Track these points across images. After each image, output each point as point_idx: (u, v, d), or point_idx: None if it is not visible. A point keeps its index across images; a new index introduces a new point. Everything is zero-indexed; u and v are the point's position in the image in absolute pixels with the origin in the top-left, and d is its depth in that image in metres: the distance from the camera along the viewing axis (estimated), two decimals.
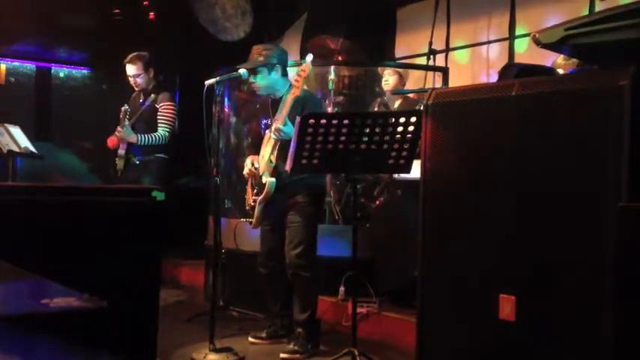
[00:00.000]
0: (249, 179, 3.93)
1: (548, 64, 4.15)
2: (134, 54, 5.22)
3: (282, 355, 3.70)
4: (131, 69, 5.20)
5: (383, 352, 3.81)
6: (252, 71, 3.83)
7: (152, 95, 5.21)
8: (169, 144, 5.23)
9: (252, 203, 3.84)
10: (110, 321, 1.06)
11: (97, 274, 2.05)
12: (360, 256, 3.42)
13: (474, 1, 6.29)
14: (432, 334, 2.65)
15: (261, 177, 3.78)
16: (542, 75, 2.62)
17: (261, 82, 3.86)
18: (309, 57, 3.66)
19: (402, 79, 5.34)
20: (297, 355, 3.71)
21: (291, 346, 3.76)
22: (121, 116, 5.04)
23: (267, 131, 3.90)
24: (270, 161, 3.73)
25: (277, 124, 3.64)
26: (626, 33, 2.09)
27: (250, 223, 3.91)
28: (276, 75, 3.86)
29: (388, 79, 5.21)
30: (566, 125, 2.23)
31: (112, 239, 2.19)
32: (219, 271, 4.38)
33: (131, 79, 5.24)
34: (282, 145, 3.67)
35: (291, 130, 3.46)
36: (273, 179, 3.72)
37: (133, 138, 5.04)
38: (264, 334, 4.04)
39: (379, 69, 5.49)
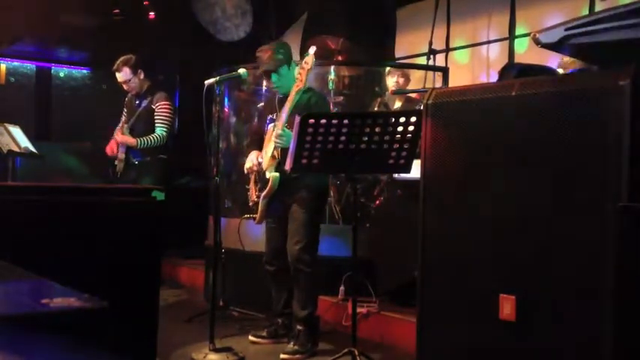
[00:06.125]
0: (252, 175, 3.92)
1: (549, 64, 4.15)
2: (120, 60, 5.19)
3: (282, 356, 3.70)
4: (120, 76, 5.20)
5: (383, 352, 3.81)
6: (271, 72, 3.80)
7: (148, 96, 5.21)
8: (168, 144, 5.22)
9: (256, 199, 3.83)
10: (110, 321, 1.06)
11: (97, 273, 2.06)
12: (360, 256, 3.42)
13: (474, 1, 6.30)
14: (432, 334, 2.65)
15: (265, 172, 3.78)
16: (542, 75, 2.62)
17: (281, 81, 3.83)
18: (312, 49, 3.62)
19: (407, 81, 5.36)
20: (298, 356, 3.71)
21: (291, 346, 3.76)
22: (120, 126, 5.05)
23: (270, 126, 3.89)
24: (274, 156, 3.73)
25: (278, 129, 3.65)
26: (626, 33, 2.09)
27: (254, 219, 3.91)
28: (292, 71, 3.85)
29: (399, 80, 5.25)
30: (566, 125, 2.23)
31: (112, 239, 2.19)
32: (219, 271, 4.38)
33: (124, 86, 5.24)
34: None
35: (290, 135, 3.47)
36: (277, 174, 3.72)
37: (133, 142, 5.05)
38: (264, 334, 4.04)
39: (386, 70, 5.50)
